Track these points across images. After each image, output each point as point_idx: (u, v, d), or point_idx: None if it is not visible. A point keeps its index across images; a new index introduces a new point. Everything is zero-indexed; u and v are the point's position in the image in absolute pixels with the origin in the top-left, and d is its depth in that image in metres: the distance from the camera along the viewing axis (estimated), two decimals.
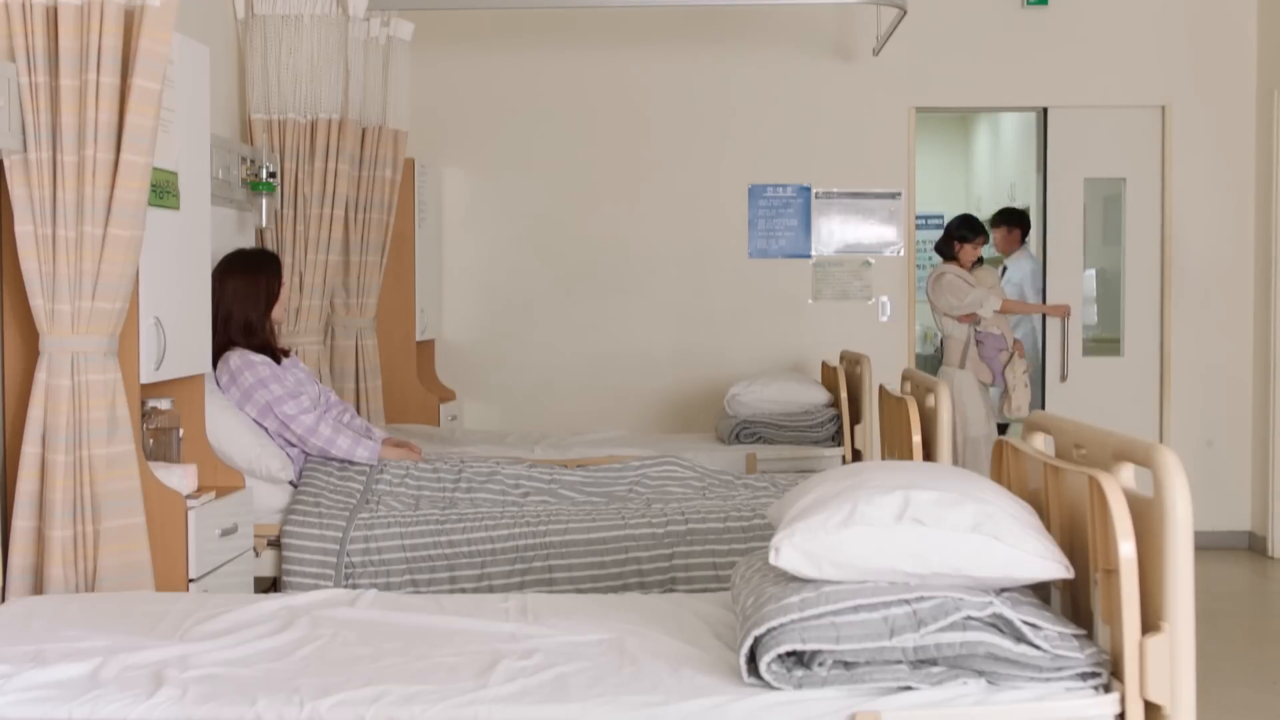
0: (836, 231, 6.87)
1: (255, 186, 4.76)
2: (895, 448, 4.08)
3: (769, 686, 2.22)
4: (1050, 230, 6.95)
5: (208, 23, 4.76)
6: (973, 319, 6.28)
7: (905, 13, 5.80)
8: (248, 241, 4.86)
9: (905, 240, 6.87)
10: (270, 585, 4.02)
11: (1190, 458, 6.36)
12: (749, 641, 2.24)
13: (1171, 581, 2.11)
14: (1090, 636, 2.29)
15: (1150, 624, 2.15)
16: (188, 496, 3.47)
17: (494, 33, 6.79)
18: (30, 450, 3.15)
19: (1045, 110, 6.90)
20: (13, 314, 3.28)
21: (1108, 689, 2.21)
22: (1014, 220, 7.34)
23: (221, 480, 3.80)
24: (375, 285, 5.54)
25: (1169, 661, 2.12)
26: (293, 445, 4.21)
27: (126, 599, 2.96)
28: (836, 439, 5.40)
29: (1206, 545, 6.32)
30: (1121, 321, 6.95)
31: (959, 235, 6.38)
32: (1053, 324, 6.84)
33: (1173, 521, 2.10)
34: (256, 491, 3.98)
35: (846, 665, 2.22)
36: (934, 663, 2.23)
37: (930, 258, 7.84)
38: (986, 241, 6.51)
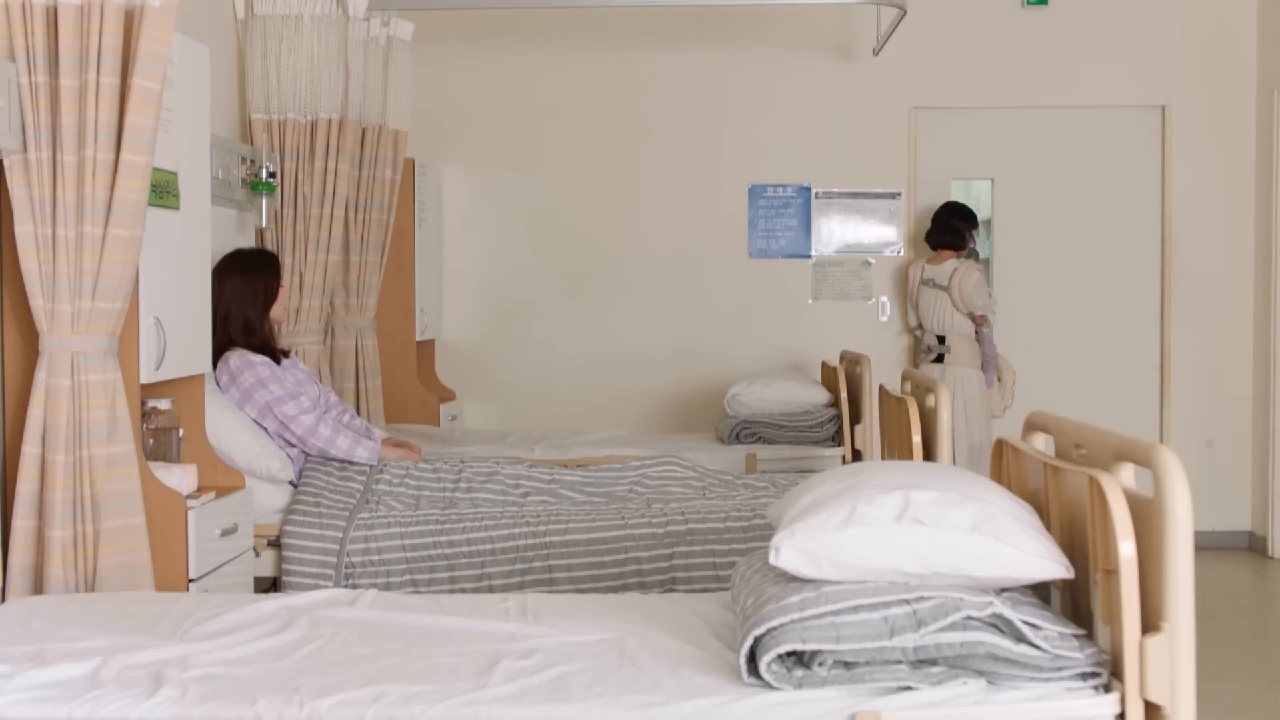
0: (836, 231, 6.86)
1: (255, 186, 4.76)
2: (895, 448, 4.08)
3: (769, 686, 2.22)
4: None
5: (208, 23, 4.76)
6: (983, 320, 6.25)
7: (905, 13, 5.79)
8: (248, 241, 4.86)
9: (905, 240, 6.86)
10: (270, 585, 4.02)
11: (1190, 458, 6.35)
12: (749, 641, 2.24)
13: (1171, 581, 2.11)
14: (1090, 636, 2.29)
15: (1150, 624, 2.15)
16: (188, 496, 3.47)
17: (494, 33, 6.79)
18: (30, 450, 3.15)
19: (915, 110, 6.86)
20: (13, 314, 3.28)
21: (1108, 689, 2.21)
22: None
23: (221, 480, 3.80)
24: (375, 285, 5.55)
25: (1169, 661, 2.12)
26: (292, 445, 4.21)
27: (126, 599, 2.96)
28: (836, 439, 5.40)
29: (1206, 545, 6.32)
30: None
31: (969, 224, 6.32)
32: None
33: (1173, 521, 2.10)
34: (256, 491, 3.98)
35: (846, 665, 2.22)
36: (934, 663, 2.23)
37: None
38: None
